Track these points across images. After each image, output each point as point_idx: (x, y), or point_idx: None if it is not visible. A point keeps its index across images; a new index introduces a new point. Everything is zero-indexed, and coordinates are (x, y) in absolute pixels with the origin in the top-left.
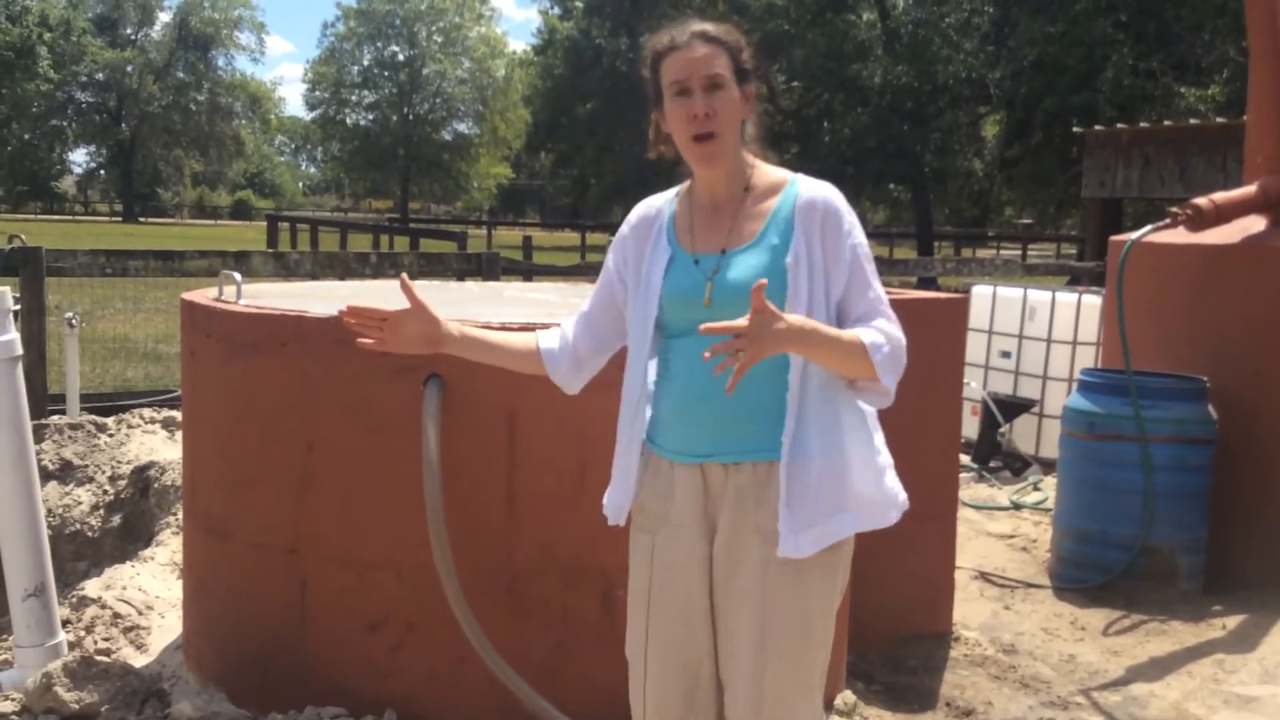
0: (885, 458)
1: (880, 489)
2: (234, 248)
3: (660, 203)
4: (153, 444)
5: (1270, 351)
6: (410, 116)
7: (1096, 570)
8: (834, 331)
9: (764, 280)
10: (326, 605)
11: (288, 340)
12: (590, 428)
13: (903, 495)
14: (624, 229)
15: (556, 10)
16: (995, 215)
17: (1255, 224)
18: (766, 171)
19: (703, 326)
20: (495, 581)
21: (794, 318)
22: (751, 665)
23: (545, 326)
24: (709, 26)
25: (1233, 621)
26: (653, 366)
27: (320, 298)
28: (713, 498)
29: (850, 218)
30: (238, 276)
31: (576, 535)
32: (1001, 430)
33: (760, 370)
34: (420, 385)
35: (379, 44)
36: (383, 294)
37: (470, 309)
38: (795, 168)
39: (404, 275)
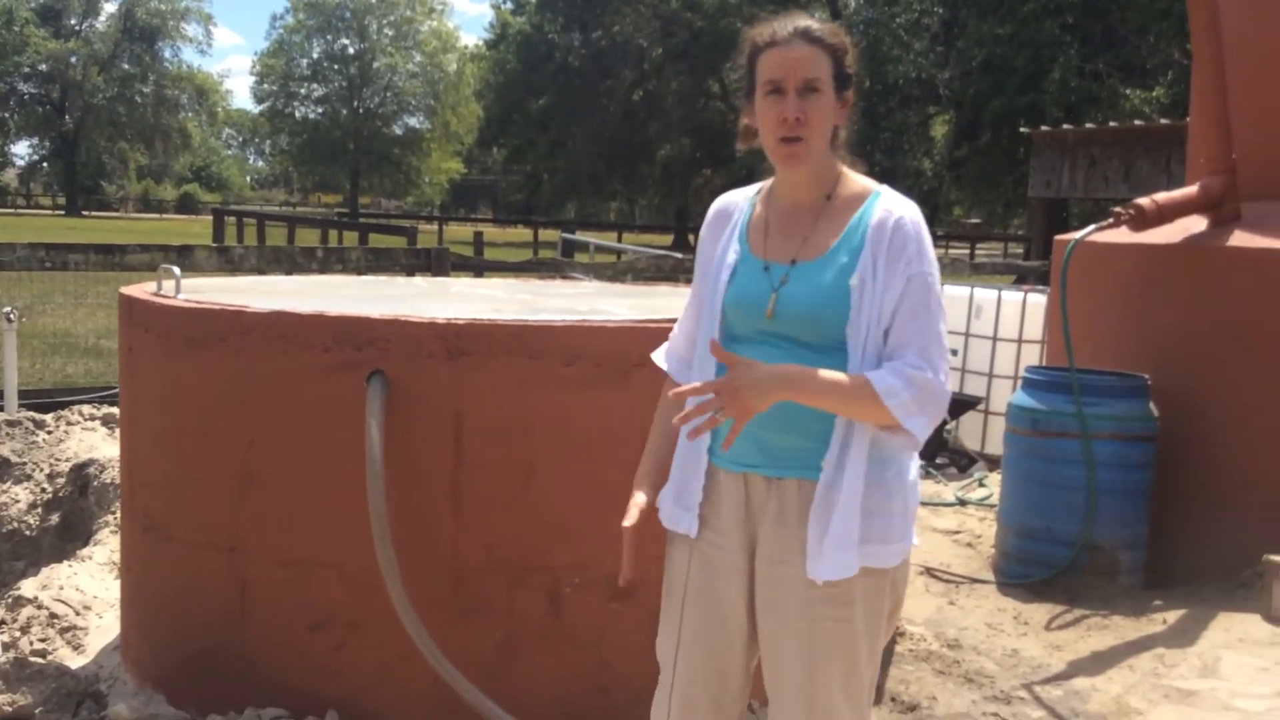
0: (911, 497)
1: (904, 528)
2: (178, 242)
3: (740, 199)
4: (92, 441)
5: (1211, 350)
6: (360, 110)
7: (1040, 566)
8: (831, 375)
9: (715, 340)
10: (267, 605)
11: (227, 335)
12: (539, 425)
13: (911, 540)
14: (706, 228)
15: (509, 5)
16: (944, 214)
17: (1197, 224)
18: (853, 180)
19: (673, 393)
20: (440, 580)
21: (778, 366)
22: (800, 686)
23: (492, 322)
24: (814, 25)
25: (1173, 616)
26: (713, 369)
27: (263, 293)
28: (753, 510)
29: (918, 243)
30: (177, 271)
31: (523, 534)
32: (948, 427)
33: None
34: (364, 382)
35: (329, 37)
36: (329, 288)
37: (417, 305)
38: (748, 165)
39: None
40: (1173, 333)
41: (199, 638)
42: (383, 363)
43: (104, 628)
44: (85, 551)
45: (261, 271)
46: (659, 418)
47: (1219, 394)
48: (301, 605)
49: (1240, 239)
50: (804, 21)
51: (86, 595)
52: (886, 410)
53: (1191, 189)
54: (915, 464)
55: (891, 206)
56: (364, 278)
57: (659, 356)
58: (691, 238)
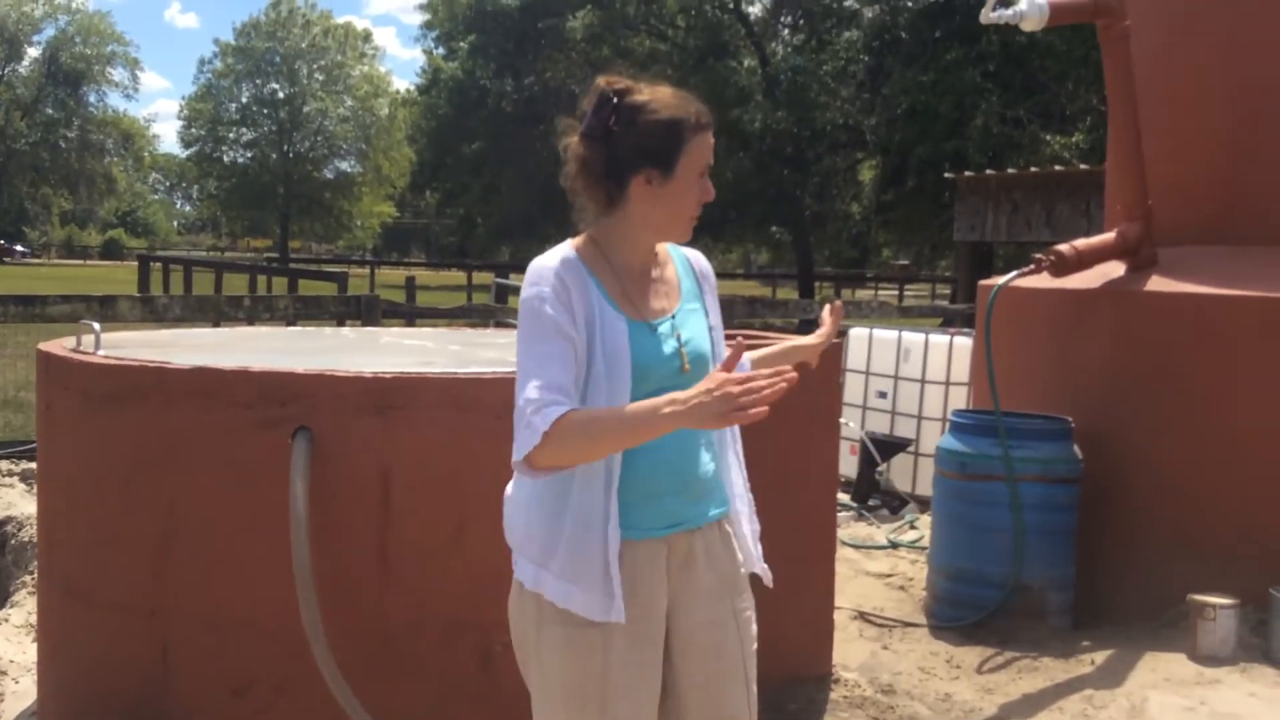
0: None
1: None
2: (102, 289)
3: (572, 262)
4: (10, 498)
5: (1131, 393)
6: (290, 154)
7: (971, 608)
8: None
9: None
10: (190, 669)
11: (148, 392)
12: (468, 479)
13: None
14: (554, 290)
15: (441, 50)
16: (874, 257)
17: (1115, 269)
18: None
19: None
20: (368, 640)
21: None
22: (746, 699)
23: (421, 375)
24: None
25: (1101, 657)
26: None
27: (186, 347)
28: (673, 569)
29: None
30: (96, 326)
31: (453, 590)
32: (879, 469)
33: (704, 430)
34: (288, 439)
35: (258, 81)
36: (254, 340)
37: (345, 357)
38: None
39: None
40: (1094, 376)
41: (119, 703)
42: (308, 419)
43: (20, 693)
44: (2, 613)
45: (186, 321)
46: (600, 413)
47: (1139, 435)
48: (225, 668)
49: (1157, 284)
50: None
51: (2, 659)
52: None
53: (1109, 235)
54: None
55: (695, 253)
56: (291, 329)
57: (553, 411)
58: None
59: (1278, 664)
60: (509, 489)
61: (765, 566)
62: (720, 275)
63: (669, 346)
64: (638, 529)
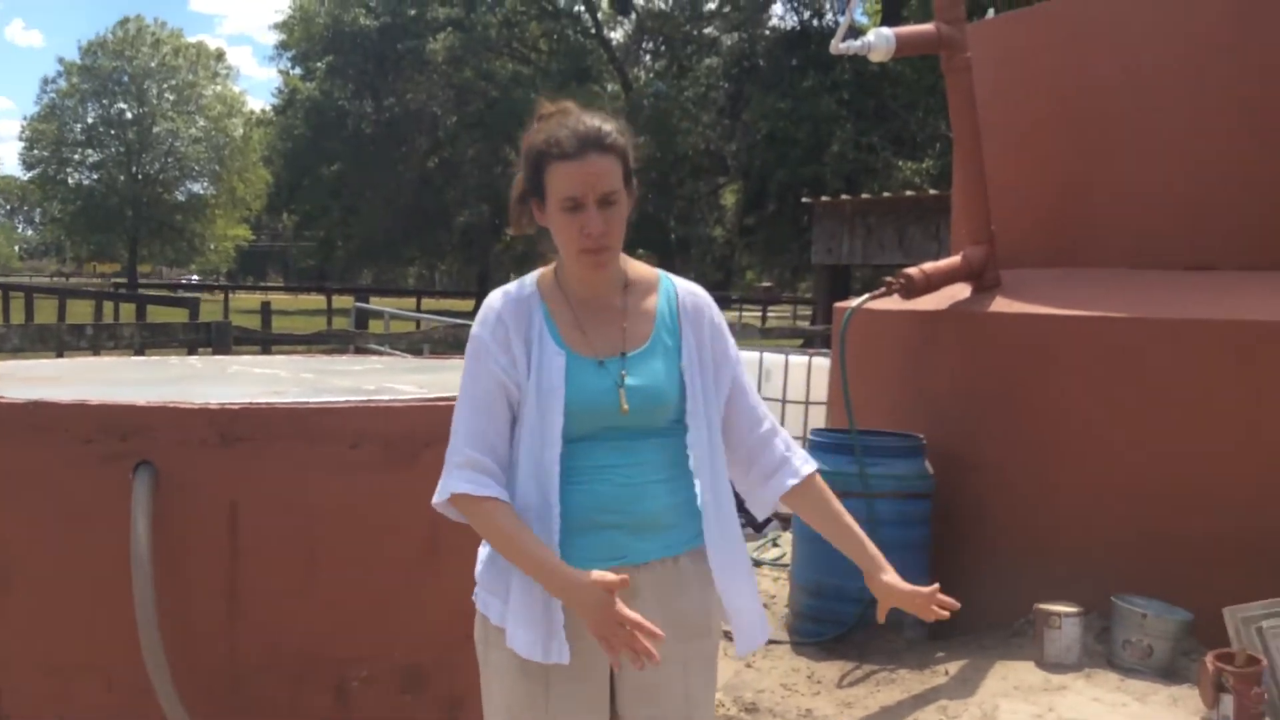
0: None
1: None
2: None
3: (522, 295)
4: None
5: (978, 410)
6: (139, 176)
7: (830, 624)
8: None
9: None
10: (27, 716)
11: None
12: (321, 515)
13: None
14: (492, 330)
15: (298, 70)
16: (738, 279)
17: (962, 291)
18: (635, 265)
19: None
20: (216, 681)
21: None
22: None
23: (270, 405)
24: (604, 127)
25: (954, 667)
26: (554, 478)
27: (21, 379)
28: (644, 596)
29: (723, 321)
30: None
31: (306, 628)
32: None
33: (665, 467)
34: (130, 474)
35: (105, 101)
36: (95, 371)
37: (190, 388)
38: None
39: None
40: (943, 394)
41: None
42: (150, 453)
43: None
44: None
45: (26, 352)
46: (510, 524)
47: (986, 451)
48: (65, 715)
49: (1000, 305)
50: (593, 123)
51: None
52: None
53: (955, 259)
54: None
55: (692, 288)
56: (136, 358)
57: (469, 485)
58: None
59: (1120, 669)
60: None
61: (748, 643)
62: None
63: (608, 385)
64: (579, 560)
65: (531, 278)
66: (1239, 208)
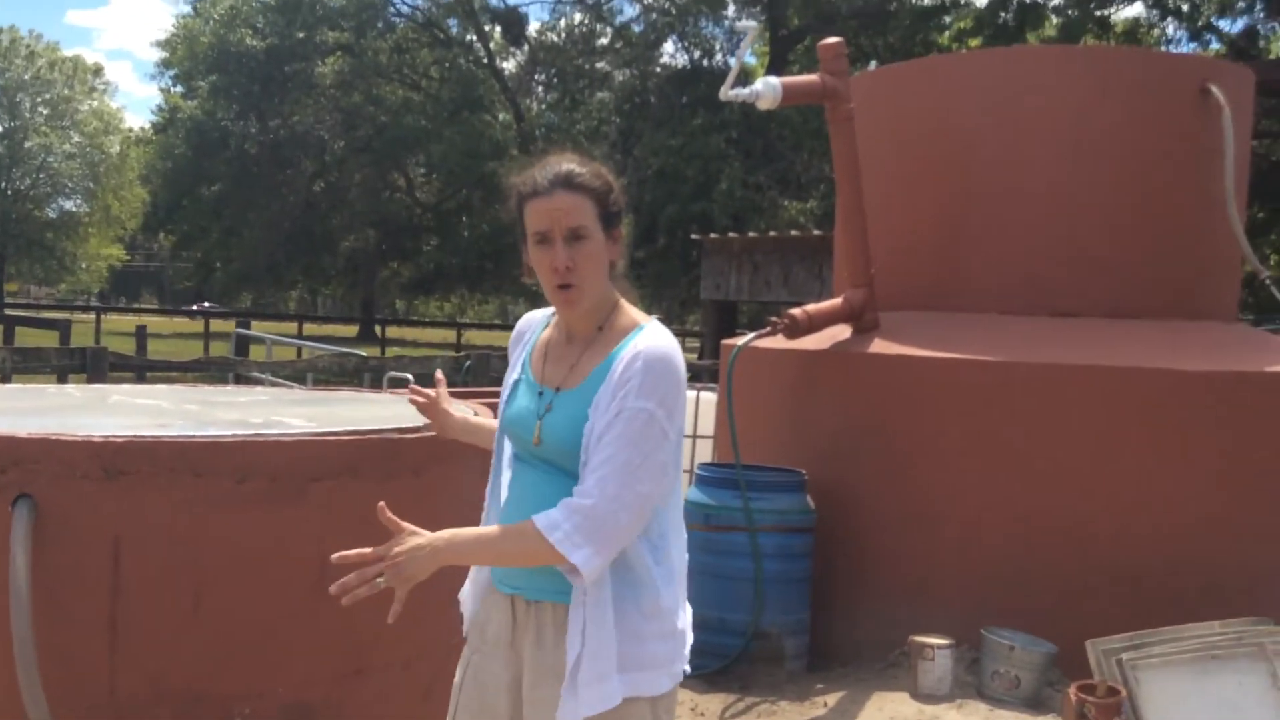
0: (668, 621)
1: (659, 653)
2: None
3: (538, 319)
4: None
5: (856, 446)
6: (9, 192)
7: (715, 656)
8: (478, 533)
9: (383, 504)
10: None
11: None
12: (207, 549)
13: (681, 665)
14: (510, 345)
15: (179, 89)
16: None
17: (843, 332)
18: (626, 313)
19: (334, 556)
20: (97, 717)
21: (431, 536)
22: None
23: (156, 439)
24: (575, 169)
25: (833, 699)
26: (499, 488)
27: None
28: (519, 630)
29: (644, 378)
30: None
31: (191, 663)
32: None
33: None
34: (8, 507)
35: None
36: None
37: (71, 419)
38: (436, 259)
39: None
40: (824, 430)
41: None
42: (30, 486)
43: None
44: None
45: None
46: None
47: (864, 486)
48: None
49: (878, 346)
50: (566, 166)
51: None
52: (551, 547)
53: (837, 301)
54: (674, 589)
55: (641, 343)
56: (9, 386)
57: None
58: (378, 329)
59: (989, 699)
60: None
61: (585, 710)
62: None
63: (531, 415)
64: (496, 578)
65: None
66: (1105, 258)
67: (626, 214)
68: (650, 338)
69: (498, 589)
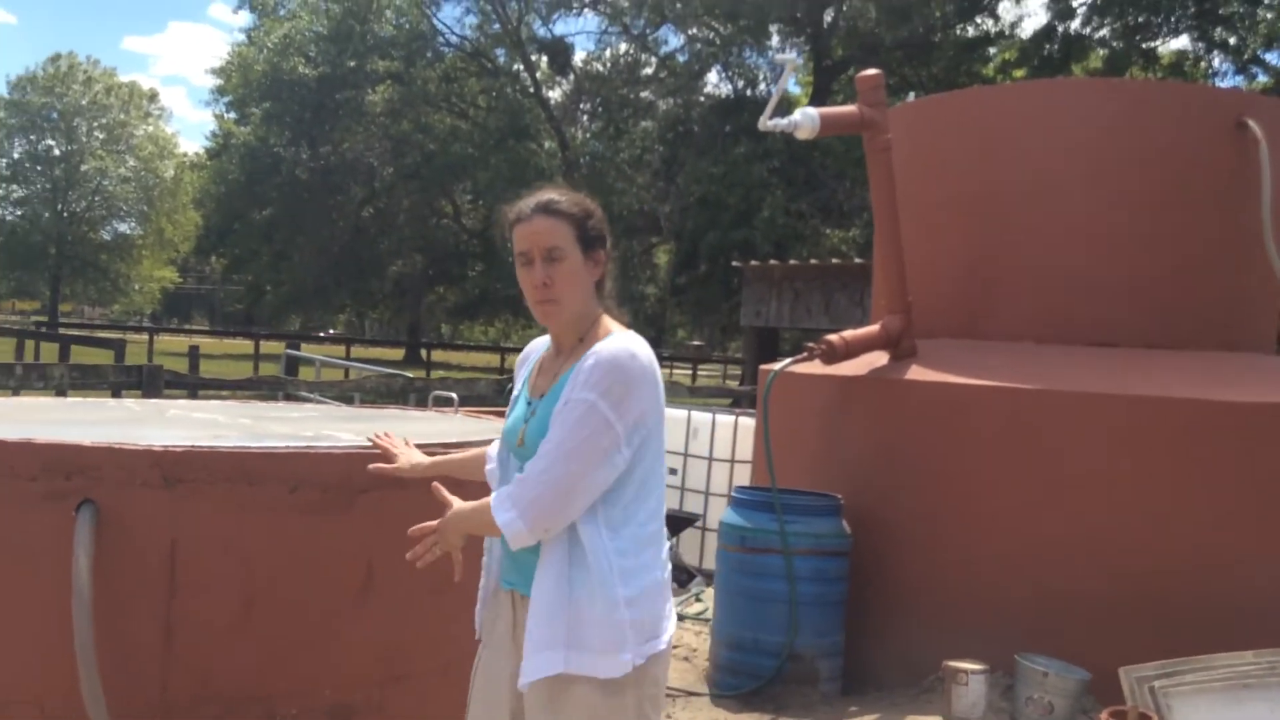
0: (621, 610)
1: (604, 638)
2: None
3: (542, 343)
4: None
5: (892, 471)
6: (65, 213)
7: (749, 677)
8: (476, 503)
9: (436, 483)
10: None
11: None
12: (258, 555)
13: (629, 655)
14: (520, 360)
15: (233, 115)
16: (669, 337)
17: (880, 359)
18: (605, 326)
19: (413, 530)
20: (150, 713)
21: (457, 506)
22: None
23: (213, 449)
24: (555, 197)
25: None
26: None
27: None
28: (519, 623)
29: (594, 373)
30: None
31: (239, 665)
32: (669, 543)
33: None
34: (72, 512)
35: (32, 137)
36: (34, 411)
37: (131, 430)
38: (482, 285)
39: (383, 437)
40: (859, 456)
41: None
42: (93, 492)
43: None
44: None
45: None
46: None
47: (899, 511)
48: None
49: (914, 373)
50: (547, 195)
51: None
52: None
53: (874, 327)
54: (640, 583)
55: (601, 346)
56: (72, 399)
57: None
58: (424, 353)
59: None
60: None
61: (529, 676)
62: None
63: (518, 421)
64: (499, 576)
65: None
66: (1142, 289)
67: (668, 240)
68: (611, 342)
69: (501, 587)
